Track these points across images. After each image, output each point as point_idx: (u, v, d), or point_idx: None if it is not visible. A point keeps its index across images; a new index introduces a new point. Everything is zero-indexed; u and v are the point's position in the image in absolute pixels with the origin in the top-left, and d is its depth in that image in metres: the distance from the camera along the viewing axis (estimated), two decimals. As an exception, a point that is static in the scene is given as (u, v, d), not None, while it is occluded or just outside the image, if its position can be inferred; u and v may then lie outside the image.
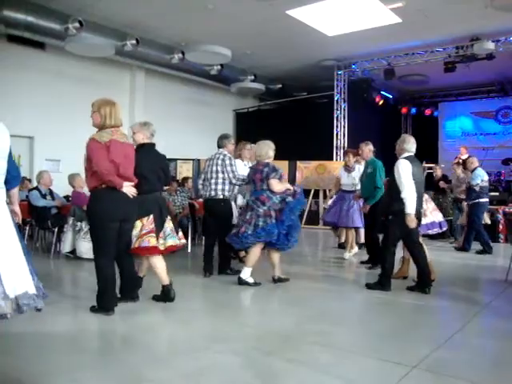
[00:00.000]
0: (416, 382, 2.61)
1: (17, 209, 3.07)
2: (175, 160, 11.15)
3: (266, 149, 4.87)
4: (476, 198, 7.25)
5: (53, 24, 7.80)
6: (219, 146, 5.46)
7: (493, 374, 2.78)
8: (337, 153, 11.44)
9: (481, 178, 7.24)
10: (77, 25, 7.87)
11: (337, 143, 11.48)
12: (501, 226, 8.54)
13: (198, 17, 8.08)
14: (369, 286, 4.69)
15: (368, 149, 5.91)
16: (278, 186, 4.72)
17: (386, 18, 8.00)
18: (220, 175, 5.24)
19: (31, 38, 8.10)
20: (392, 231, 4.57)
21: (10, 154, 2.90)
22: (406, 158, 4.53)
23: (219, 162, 5.27)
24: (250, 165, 5.61)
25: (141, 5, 7.67)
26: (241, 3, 7.52)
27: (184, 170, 10.90)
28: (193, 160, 11.12)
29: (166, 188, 7.98)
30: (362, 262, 6.06)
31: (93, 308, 3.68)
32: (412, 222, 4.36)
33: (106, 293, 3.62)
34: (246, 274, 4.80)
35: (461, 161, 10.72)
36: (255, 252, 4.76)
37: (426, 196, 5.26)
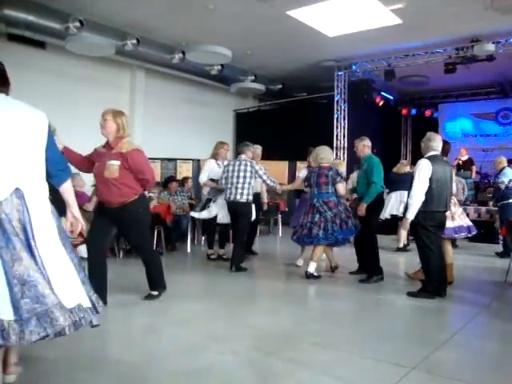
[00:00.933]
0: (415, 383, 2.61)
1: (75, 211, 2.58)
2: (175, 160, 11.14)
3: (326, 153, 5.44)
4: (506, 199, 6.97)
5: (53, 23, 7.79)
6: (240, 153, 5.89)
7: (492, 375, 2.79)
8: (337, 153, 11.44)
9: (509, 177, 6.98)
10: (77, 24, 7.86)
11: (337, 144, 11.47)
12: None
13: (198, 17, 8.08)
14: (411, 294, 4.40)
15: (362, 144, 5.48)
16: (344, 189, 5.39)
17: (386, 19, 8.00)
18: (247, 180, 5.68)
19: (32, 37, 8.10)
20: (420, 232, 4.41)
21: (53, 144, 2.48)
22: (430, 157, 4.40)
23: (247, 168, 5.71)
24: (225, 163, 6.08)
25: (141, 5, 7.67)
26: (241, 4, 7.52)
27: (184, 170, 10.88)
28: (193, 160, 11.11)
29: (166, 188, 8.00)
30: (352, 273, 5.56)
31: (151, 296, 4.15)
32: (406, 227, 4.39)
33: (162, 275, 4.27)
34: (312, 268, 5.22)
35: (461, 162, 10.74)
36: (321, 250, 5.33)
37: (454, 199, 5.15)
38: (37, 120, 2.39)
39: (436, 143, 4.50)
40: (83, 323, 2.31)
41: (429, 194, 4.30)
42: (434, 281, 4.36)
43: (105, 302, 3.59)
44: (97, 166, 3.89)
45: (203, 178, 6.32)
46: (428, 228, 4.34)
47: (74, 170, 3.28)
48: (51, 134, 2.48)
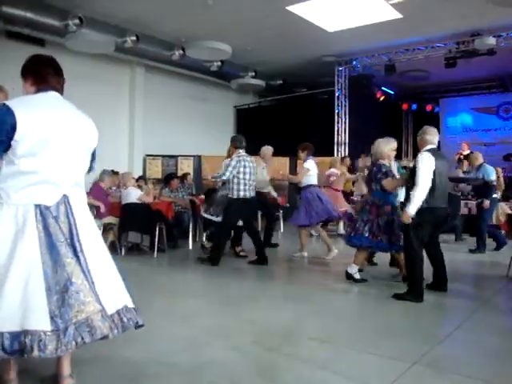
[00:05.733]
0: (416, 377, 2.62)
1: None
2: (176, 156, 11.15)
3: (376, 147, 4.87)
4: (493, 194, 6.90)
5: (52, 20, 7.77)
6: (245, 148, 5.93)
7: (493, 369, 2.79)
8: (337, 149, 11.43)
9: (488, 173, 6.93)
10: (76, 21, 7.84)
11: (337, 139, 11.47)
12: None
13: (198, 13, 8.05)
14: (398, 297, 4.22)
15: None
16: (390, 185, 4.70)
17: (386, 13, 7.97)
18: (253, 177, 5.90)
19: (31, 34, 8.09)
20: (413, 232, 4.22)
21: (94, 153, 2.52)
22: (429, 150, 4.23)
23: (254, 165, 5.94)
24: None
25: (140, 1, 7.65)
26: (241, -1, 7.51)
27: (185, 167, 10.90)
28: (193, 156, 11.12)
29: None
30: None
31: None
32: (407, 219, 4.12)
33: None
34: (353, 269, 4.85)
35: (462, 157, 10.72)
36: (364, 253, 4.90)
37: (502, 205, 5.07)
38: (88, 126, 2.41)
39: (431, 136, 4.34)
40: (131, 324, 2.34)
41: (432, 188, 4.13)
42: (419, 283, 4.19)
43: None
44: None
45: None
46: (424, 226, 4.18)
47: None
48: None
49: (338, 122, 11.47)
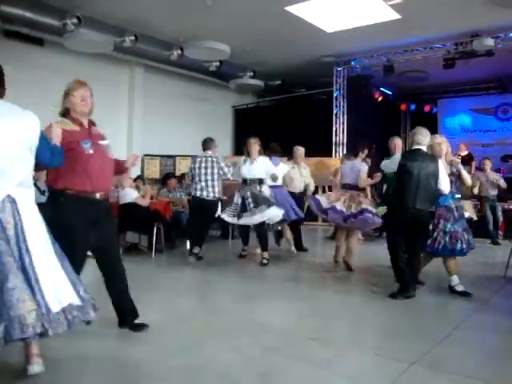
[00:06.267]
0: (415, 377, 2.61)
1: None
2: (174, 156, 11.14)
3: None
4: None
5: (51, 20, 7.75)
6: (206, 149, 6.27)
7: (492, 369, 2.79)
8: (336, 149, 11.44)
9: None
10: (75, 21, 7.83)
11: (336, 140, 11.47)
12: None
13: (196, 13, 8.04)
14: (391, 296, 4.25)
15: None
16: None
17: (385, 14, 7.97)
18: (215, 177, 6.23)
19: (29, 33, 8.06)
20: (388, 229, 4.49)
21: (43, 144, 2.50)
22: (408, 151, 4.36)
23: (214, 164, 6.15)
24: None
25: (139, 1, 7.64)
26: (240, -1, 7.50)
27: (183, 167, 10.87)
28: (192, 156, 11.09)
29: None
30: None
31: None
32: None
33: None
34: (455, 281, 4.49)
35: (460, 157, 10.73)
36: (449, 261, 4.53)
37: (466, 202, 5.06)
38: (25, 122, 2.44)
39: (419, 137, 4.31)
40: (76, 321, 2.41)
41: (401, 188, 4.28)
42: (403, 279, 4.27)
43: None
44: (86, 147, 2.96)
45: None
46: (397, 223, 4.32)
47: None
48: (44, 134, 2.55)
49: (336, 123, 11.46)
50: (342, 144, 11.44)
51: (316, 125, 11.51)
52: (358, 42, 9.60)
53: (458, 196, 4.56)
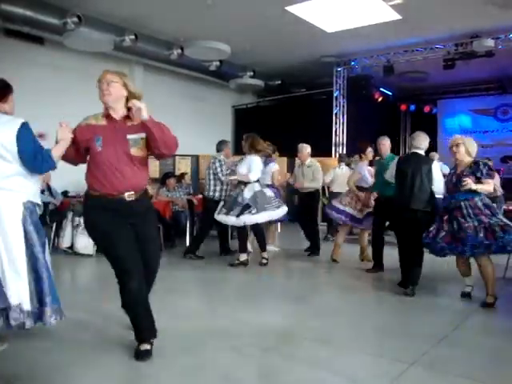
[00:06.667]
0: (414, 378, 2.62)
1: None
2: (173, 156, 11.12)
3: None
4: None
5: (51, 19, 7.74)
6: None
7: (491, 370, 2.79)
8: (335, 149, 11.44)
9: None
10: (75, 19, 7.82)
11: (335, 140, 11.47)
12: None
13: (196, 12, 8.04)
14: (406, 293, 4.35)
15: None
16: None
17: (385, 14, 7.97)
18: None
19: (29, 32, 8.05)
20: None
21: (20, 148, 2.53)
22: (404, 155, 4.63)
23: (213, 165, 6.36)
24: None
25: (139, 0, 7.63)
26: (240, -1, 7.49)
27: (183, 166, 10.87)
28: (191, 156, 11.10)
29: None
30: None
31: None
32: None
33: None
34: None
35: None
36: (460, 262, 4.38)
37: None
38: (6, 129, 2.53)
39: (415, 141, 4.61)
40: (13, 323, 2.50)
41: (396, 187, 4.62)
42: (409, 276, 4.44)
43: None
44: (98, 144, 2.75)
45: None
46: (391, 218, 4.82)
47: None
48: (26, 135, 2.57)
49: (336, 123, 11.47)
50: (342, 144, 11.44)
51: (316, 125, 11.51)
52: (358, 42, 9.60)
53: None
